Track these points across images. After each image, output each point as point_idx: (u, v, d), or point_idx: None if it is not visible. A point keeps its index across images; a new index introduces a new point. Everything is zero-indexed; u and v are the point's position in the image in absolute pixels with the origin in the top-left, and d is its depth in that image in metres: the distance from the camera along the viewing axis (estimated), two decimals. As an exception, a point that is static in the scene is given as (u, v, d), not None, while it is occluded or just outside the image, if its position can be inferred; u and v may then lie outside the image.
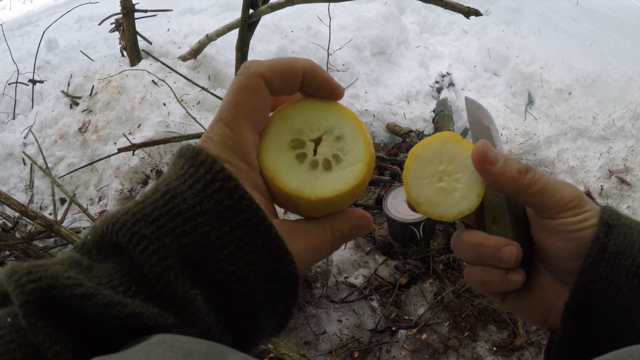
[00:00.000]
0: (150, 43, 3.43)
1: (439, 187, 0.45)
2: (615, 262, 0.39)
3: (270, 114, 0.40)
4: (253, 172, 0.37)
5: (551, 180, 0.44)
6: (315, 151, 0.39)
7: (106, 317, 0.28)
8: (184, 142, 2.79)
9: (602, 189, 2.70)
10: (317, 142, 0.39)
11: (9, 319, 0.28)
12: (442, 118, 3.18)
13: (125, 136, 2.68)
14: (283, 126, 0.39)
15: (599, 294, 0.40)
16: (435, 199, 0.45)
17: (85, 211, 2.54)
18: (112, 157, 2.71)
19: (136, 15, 3.19)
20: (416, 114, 3.49)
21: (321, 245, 0.39)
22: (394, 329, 2.00)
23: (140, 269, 0.30)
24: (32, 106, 3.47)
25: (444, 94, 3.61)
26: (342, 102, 0.43)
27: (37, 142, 2.99)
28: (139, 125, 2.80)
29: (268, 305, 0.34)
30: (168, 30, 3.92)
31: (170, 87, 2.93)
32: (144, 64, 3.17)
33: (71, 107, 3.12)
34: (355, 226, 0.41)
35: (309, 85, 0.39)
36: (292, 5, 2.90)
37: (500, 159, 0.43)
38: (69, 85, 3.22)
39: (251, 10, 2.82)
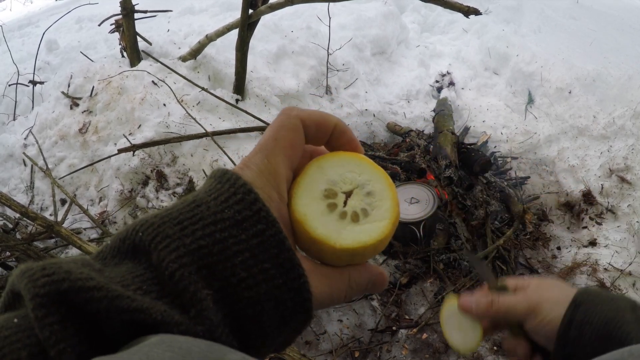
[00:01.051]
0: (150, 44, 3.43)
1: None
2: (580, 330, 0.56)
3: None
4: (282, 204, 0.39)
5: (511, 302, 0.65)
6: (345, 203, 0.41)
7: (115, 310, 0.28)
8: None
9: (602, 187, 2.70)
10: (348, 194, 0.42)
11: (15, 320, 0.28)
12: (442, 117, 3.18)
13: (125, 137, 2.68)
14: (319, 175, 0.42)
15: (570, 354, 0.57)
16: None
17: (85, 212, 2.54)
18: (112, 157, 2.71)
19: (136, 15, 3.19)
20: (416, 113, 3.49)
21: (336, 291, 0.40)
22: (394, 328, 2.00)
23: (157, 267, 0.32)
24: (33, 107, 3.48)
25: (444, 93, 3.61)
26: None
27: (37, 143, 2.99)
28: (139, 125, 2.80)
29: (277, 316, 0.35)
30: (168, 30, 3.92)
31: (170, 87, 2.94)
32: (144, 64, 3.17)
33: (71, 108, 3.13)
34: (372, 281, 0.43)
35: (336, 139, 0.43)
36: (292, 5, 2.90)
37: (473, 303, 0.67)
38: (69, 86, 3.22)
39: (251, 10, 2.82)
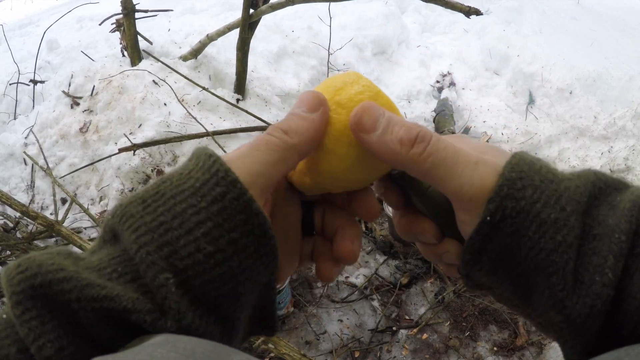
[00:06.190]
0: (151, 43, 3.43)
1: None
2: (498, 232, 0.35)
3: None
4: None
5: (449, 160, 0.35)
6: None
7: (85, 299, 0.28)
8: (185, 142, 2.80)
9: (603, 188, 2.69)
10: None
11: (4, 315, 0.28)
12: (442, 117, 3.18)
13: (126, 136, 2.68)
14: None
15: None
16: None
17: (86, 211, 2.54)
18: (113, 157, 2.71)
19: (137, 15, 3.19)
20: (417, 113, 3.49)
21: (253, 140, 0.35)
22: (394, 328, 2.00)
23: (126, 249, 0.31)
24: (33, 106, 3.48)
25: (445, 93, 3.61)
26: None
27: (38, 142, 2.99)
28: (140, 125, 2.80)
29: (250, 281, 0.32)
30: (169, 30, 3.92)
31: (171, 87, 2.93)
32: (144, 64, 3.17)
33: (72, 107, 3.12)
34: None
35: None
36: (293, 5, 2.89)
37: (381, 124, 0.36)
38: (69, 85, 3.22)
39: (252, 10, 2.82)
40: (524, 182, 0.34)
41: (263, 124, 2.84)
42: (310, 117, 0.37)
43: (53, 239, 2.47)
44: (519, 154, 0.36)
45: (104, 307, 0.28)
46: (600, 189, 0.34)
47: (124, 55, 3.43)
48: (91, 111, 3.04)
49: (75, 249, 2.21)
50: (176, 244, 0.30)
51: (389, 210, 2.19)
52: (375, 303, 2.10)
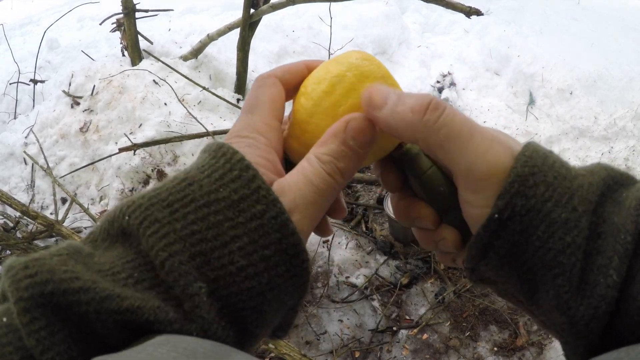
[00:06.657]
0: (152, 43, 3.43)
1: None
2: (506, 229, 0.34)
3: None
4: (269, 148, 0.36)
5: (464, 133, 0.34)
6: None
7: (105, 312, 0.27)
8: (186, 141, 2.80)
9: (603, 189, 2.69)
10: None
11: (4, 319, 0.27)
12: (443, 118, 3.18)
13: (126, 136, 2.68)
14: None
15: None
16: None
17: (86, 211, 2.54)
18: (113, 156, 2.71)
19: (137, 15, 3.19)
20: (417, 113, 3.49)
21: (313, 177, 0.35)
22: (395, 328, 2.00)
23: (147, 254, 0.29)
24: (34, 106, 3.48)
25: (446, 93, 3.61)
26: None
27: (38, 141, 2.99)
28: (140, 125, 2.80)
29: (277, 301, 0.32)
30: (169, 30, 3.92)
31: (171, 86, 2.93)
32: (145, 63, 3.17)
33: (72, 107, 3.12)
34: (348, 129, 0.36)
35: None
36: (293, 4, 2.90)
37: (392, 98, 0.35)
38: (70, 85, 3.22)
39: (252, 10, 2.82)
40: (536, 178, 0.33)
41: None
42: (363, 155, 0.37)
43: (53, 239, 2.47)
44: (532, 145, 0.35)
45: (126, 320, 0.27)
46: (609, 185, 0.34)
47: (124, 55, 3.43)
48: (91, 111, 3.04)
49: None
50: (210, 255, 0.30)
51: (389, 210, 2.19)
52: (376, 303, 2.10)
